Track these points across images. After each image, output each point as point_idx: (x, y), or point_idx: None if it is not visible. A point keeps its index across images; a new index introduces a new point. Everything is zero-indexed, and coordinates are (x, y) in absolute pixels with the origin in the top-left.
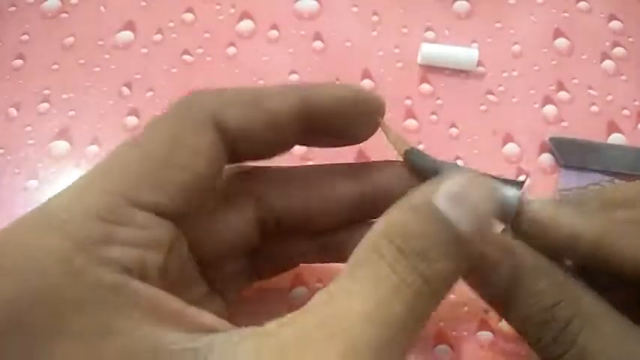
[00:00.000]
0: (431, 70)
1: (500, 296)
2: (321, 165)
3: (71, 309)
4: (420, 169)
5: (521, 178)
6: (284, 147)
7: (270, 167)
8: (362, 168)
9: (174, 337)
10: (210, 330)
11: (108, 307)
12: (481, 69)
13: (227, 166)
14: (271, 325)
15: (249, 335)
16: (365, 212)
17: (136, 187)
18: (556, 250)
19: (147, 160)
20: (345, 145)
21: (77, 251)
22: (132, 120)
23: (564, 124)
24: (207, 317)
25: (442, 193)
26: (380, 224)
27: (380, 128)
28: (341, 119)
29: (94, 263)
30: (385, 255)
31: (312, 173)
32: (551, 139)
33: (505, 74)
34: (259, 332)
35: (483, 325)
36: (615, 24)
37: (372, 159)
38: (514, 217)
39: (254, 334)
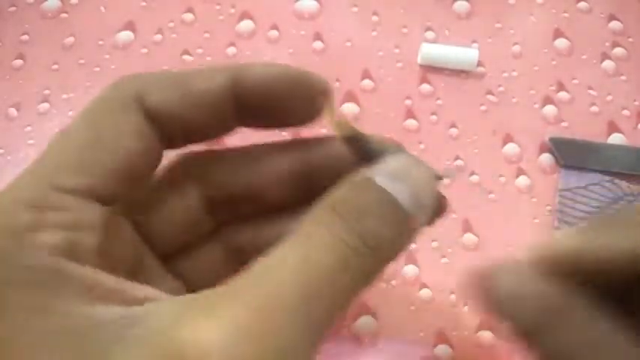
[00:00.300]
0: (431, 70)
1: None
2: (265, 143)
3: (5, 292)
4: (363, 154)
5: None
6: (222, 130)
7: (212, 148)
8: (302, 142)
9: (112, 311)
10: (150, 301)
11: (42, 289)
12: (481, 69)
13: (173, 153)
14: (208, 290)
15: (184, 297)
16: (312, 189)
17: (62, 171)
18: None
19: (72, 144)
20: (290, 128)
21: (7, 239)
22: None
23: (564, 124)
24: (148, 290)
25: (382, 170)
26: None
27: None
28: (275, 100)
29: (25, 248)
30: (323, 219)
31: (254, 149)
32: (551, 139)
33: (505, 74)
34: (195, 294)
35: (483, 325)
36: (615, 24)
37: None
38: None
39: (189, 295)
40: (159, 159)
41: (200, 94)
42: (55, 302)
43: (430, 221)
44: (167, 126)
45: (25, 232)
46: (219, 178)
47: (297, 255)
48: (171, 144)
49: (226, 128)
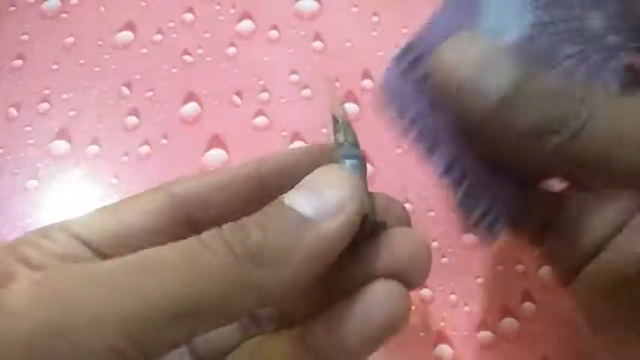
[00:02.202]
0: None
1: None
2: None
3: None
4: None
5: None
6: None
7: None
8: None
9: None
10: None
11: None
12: None
13: None
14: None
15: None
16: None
17: (75, 222)
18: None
19: (106, 207)
20: None
21: (4, 245)
22: (132, 120)
23: None
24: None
25: (292, 192)
26: None
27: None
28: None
29: (6, 253)
30: (214, 231)
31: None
32: None
33: None
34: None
35: (483, 325)
36: None
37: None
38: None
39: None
40: (171, 233)
41: (226, 182)
42: None
43: (371, 232)
44: (189, 207)
45: (16, 246)
46: (180, 187)
47: (176, 252)
48: (192, 222)
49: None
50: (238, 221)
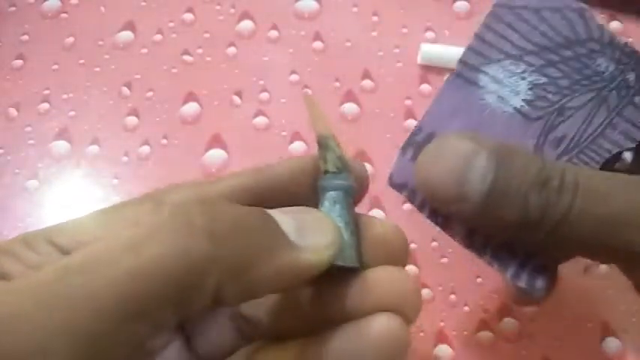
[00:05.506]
0: (431, 70)
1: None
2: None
3: None
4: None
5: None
6: None
7: None
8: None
9: None
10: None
11: None
12: None
13: None
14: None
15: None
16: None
17: (61, 232)
18: None
19: (91, 216)
20: None
21: None
22: (132, 120)
23: None
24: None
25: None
26: None
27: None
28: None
29: None
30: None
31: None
32: None
33: None
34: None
35: (483, 325)
36: (615, 24)
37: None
38: None
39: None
40: None
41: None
42: None
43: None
44: None
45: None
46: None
47: (127, 235)
48: None
49: None
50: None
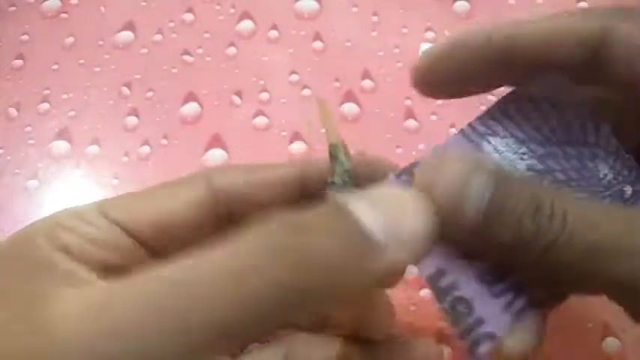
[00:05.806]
0: None
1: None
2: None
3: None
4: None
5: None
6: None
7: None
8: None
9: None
10: None
11: (33, 273)
12: None
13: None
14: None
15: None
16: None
17: (116, 207)
18: None
19: (140, 194)
20: None
21: (41, 230)
22: (132, 120)
23: None
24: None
25: (357, 195)
26: None
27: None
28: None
29: (45, 240)
30: (264, 225)
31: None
32: None
33: None
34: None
35: None
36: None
37: None
38: None
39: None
40: (211, 225)
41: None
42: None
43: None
44: (231, 202)
45: (56, 229)
46: (223, 179)
47: (224, 250)
48: (231, 216)
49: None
50: (296, 226)
